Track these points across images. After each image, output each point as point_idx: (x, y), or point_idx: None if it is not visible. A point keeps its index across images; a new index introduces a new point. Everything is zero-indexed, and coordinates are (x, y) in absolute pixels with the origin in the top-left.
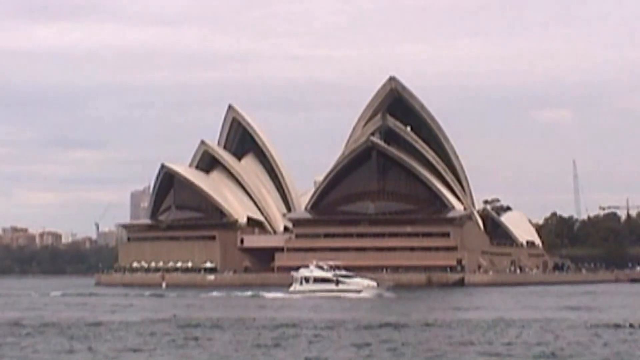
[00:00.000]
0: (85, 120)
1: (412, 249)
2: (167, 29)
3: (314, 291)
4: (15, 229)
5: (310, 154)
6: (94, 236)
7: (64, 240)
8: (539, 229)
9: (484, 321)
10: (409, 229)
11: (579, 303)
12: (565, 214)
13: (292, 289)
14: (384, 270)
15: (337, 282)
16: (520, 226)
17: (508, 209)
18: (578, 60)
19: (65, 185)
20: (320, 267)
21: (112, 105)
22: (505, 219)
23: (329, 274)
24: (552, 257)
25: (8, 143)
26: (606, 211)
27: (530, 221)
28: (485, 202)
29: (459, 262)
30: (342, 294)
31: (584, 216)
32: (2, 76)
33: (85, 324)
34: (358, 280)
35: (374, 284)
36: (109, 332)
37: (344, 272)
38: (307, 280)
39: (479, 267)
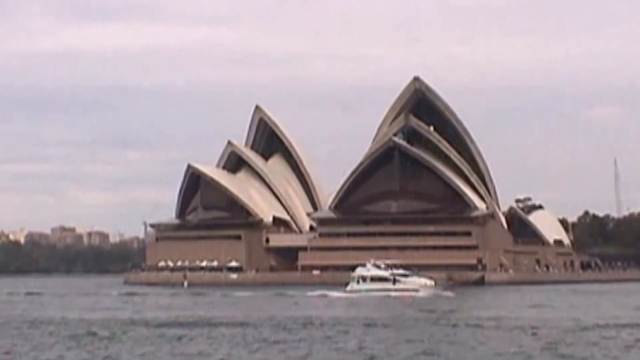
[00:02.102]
0: (135, 121)
1: (434, 248)
2: (208, 28)
3: (370, 290)
4: (63, 229)
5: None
6: (142, 236)
7: (111, 240)
8: (571, 227)
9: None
10: (430, 228)
11: (550, 302)
12: (607, 213)
13: (348, 288)
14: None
15: (395, 281)
16: (549, 225)
17: (540, 207)
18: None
19: (116, 185)
20: (377, 266)
21: (162, 104)
22: (534, 218)
23: (386, 273)
24: (584, 256)
25: (60, 144)
26: None
27: (565, 220)
28: (517, 200)
29: (480, 261)
30: (399, 293)
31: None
32: (50, 78)
33: None
34: (415, 279)
35: (432, 282)
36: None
37: (401, 271)
38: (364, 279)
39: (501, 265)
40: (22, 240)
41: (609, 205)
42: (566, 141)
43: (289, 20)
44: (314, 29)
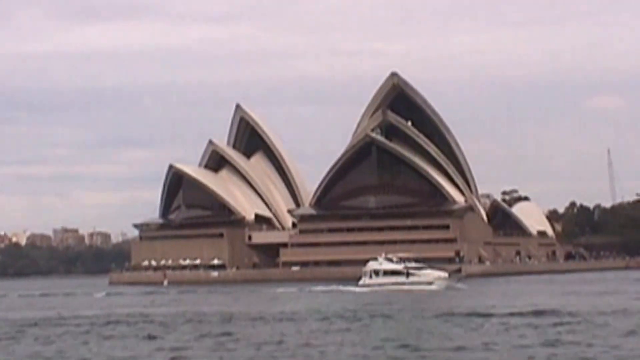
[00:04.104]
0: (139, 120)
1: (412, 241)
2: (214, 27)
3: (384, 284)
4: (65, 230)
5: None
6: None
7: (113, 240)
8: (557, 218)
9: None
10: (409, 222)
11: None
12: (596, 203)
13: (361, 282)
14: None
15: (408, 275)
16: (532, 216)
17: (526, 199)
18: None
19: (119, 185)
20: (390, 260)
21: (165, 104)
22: (517, 209)
23: (399, 266)
24: (570, 246)
25: (65, 144)
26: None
27: (556, 211)
28: (504, 192)
29: (457, 253)
30: (413, 287)
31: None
32: (53, 78)
33: None
34: (429, 271)
35: (446, 275)
36: None
37: (414, 264)
38: (376, 273)
39: (479, 258)
40: (24, 242)
41: (603, 195)
42: (563, 132)
43: (276, 17)
44: (306, 25)
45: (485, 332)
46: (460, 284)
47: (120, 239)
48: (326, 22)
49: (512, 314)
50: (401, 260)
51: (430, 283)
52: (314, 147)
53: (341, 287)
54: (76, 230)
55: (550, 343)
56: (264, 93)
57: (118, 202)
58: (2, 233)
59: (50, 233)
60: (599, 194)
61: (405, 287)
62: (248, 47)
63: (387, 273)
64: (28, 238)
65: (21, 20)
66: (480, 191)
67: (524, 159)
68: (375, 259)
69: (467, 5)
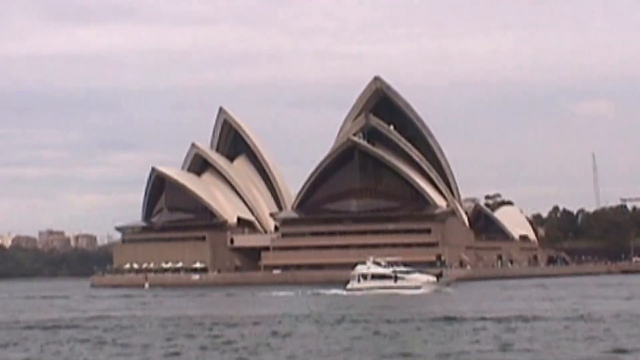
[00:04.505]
0: (128, 123)
1: (394, 245)
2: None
3: (372, 288)
4: (51, 232)
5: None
6: None
7: (99, 243)
8: (541, 222)
9: None
10: (390, 226)
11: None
12: (580, 208)
13: (349, 286)
14: None
15: (396, 279)
16: (515, 221)
17: (509, 203)
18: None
19: (107, 188)
20: (378, 263)
21: (154, 107)
22: (499, 214)
23: (387, 270)
24: (552, 250)
25: (52, 146)
26: (627, 203)
27: (539, 215)
28: (487, 197)
29: (439, 257)
30: (401, 291)
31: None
32: (40, 80)
33: None
34: (417, 275)
35: (434, 279)
36: None
37: (402, 268)
38: (364, 277)
39: (461, 262)
40: (8, 244)
41: (588, 200)
42: (549, 137)
43: (262, 20)
44: (291, 28)
45: (445, 338)
46: (449, 288)
47: (106, 241)
48: (313, 25)
49: (482, 319)
50: (389, 264)
51: (418, 287)
52: (299, 150)
53: (324, 291)
54: (62, 233)
55: (502, 348)
56: (249, 96)
57: (105, 204)
58: None
59: (35, 235)
60: (583, 199)
61: (393, 291)
62: (233, 49)
63: (375, 277)
64: (13, 240)
65: (9, 22)
66: (466, 195)
67: (510, 164)
68: (364, 262)
69: (456, 9)
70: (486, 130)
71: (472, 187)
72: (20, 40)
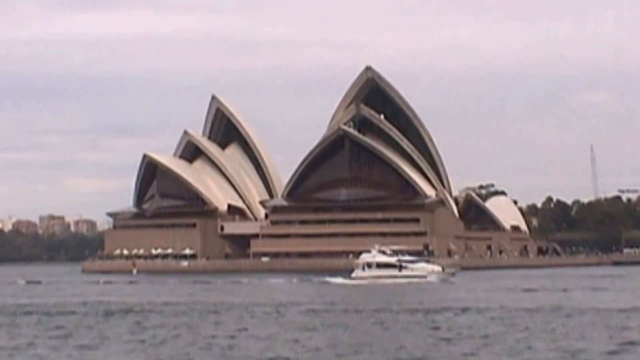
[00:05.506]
0: (130, 108)
1: (383, 234)
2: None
3: (377, 277)
4: (51, 217)
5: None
6: None
7: (99, 228)
8: (535, 212)
9: None
10: (379, 215)
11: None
12: (575, 199)
13: (354, 274)
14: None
15: (401, 268)
16: (506, 211)
17: (502, 193)
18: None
19: (109, 173)
20: (383, 252)
21: (151, 93)
22: (491, 204)
23: (392, 259)
24: (544, 241)
25: (54, 132)
26: (624, 194)
27: (534, 206)
28: (480, 187)
29: (426, 247)
30: (406, 280)
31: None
32: (40, 65)
33: None
34: (422, 265)
35: (439, 268)
36: None
37: (407, 257)
38: (369, 265)
39: (449, 252)
40: (8, 228)
41: (586, 191)
42: (548, 127)
43: (257, 8)
44: (286, 16)
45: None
46: (454, 278)
47: (106, 226)
48: (308, 13)
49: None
50: (394, 253)
51: (424, 276)
52: (292, 139)
53: (330, 279)
54: (62, 218)
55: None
56: (242, 84)
57: (107, 189)
58: None
59: (36, 220)
60: (581, 190)
61: (398, 281)
62: (226, 37)
63: (380, 266)
64: (14, 224)
65: (11, 6)
66: (462, 185)
67: (508, 154)
68: (369, 251)
69: None
70: (484, 121)
71: (470, 178)
72: (21, 25)
